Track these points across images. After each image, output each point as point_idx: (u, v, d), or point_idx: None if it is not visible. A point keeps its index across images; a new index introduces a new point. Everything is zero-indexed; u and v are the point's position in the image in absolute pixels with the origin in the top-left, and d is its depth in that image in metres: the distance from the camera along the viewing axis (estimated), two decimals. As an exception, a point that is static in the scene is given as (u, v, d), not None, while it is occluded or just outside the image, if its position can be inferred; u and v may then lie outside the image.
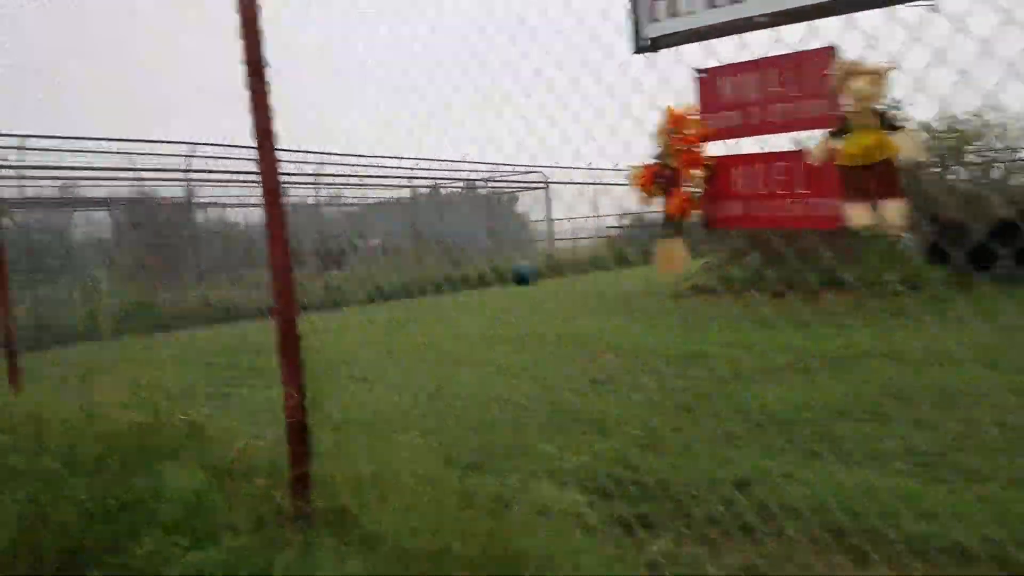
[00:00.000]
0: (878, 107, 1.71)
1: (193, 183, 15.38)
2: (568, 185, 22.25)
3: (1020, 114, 12.11)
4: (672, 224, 2.19)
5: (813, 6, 1.53)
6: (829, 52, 1.72)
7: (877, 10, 1.59)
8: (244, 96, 2.85)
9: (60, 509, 3.42)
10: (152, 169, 14.66)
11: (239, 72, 2.75)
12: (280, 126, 3.01)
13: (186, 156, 14.89)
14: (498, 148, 2.31)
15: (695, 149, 1.94)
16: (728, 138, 1.91)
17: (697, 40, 1.61)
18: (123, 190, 15.45)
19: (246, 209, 18.06)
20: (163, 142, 12.59)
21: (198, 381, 4.20)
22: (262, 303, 4.41)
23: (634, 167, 2.09)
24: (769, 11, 1.47)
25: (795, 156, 1.90)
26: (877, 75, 1.64)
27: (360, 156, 15.36)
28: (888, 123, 1.72)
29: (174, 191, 15.49)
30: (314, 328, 3.05)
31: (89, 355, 6.38)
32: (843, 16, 1.60)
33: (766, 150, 1.88)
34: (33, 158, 13.50)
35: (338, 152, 16.20)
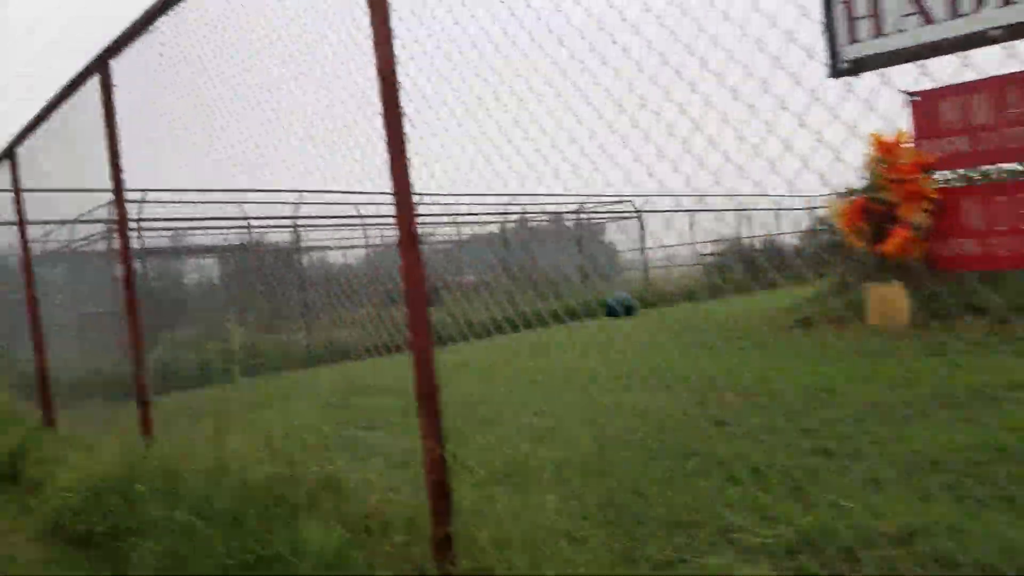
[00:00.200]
0: None
1: (300, 227, 16.00)
2: (659, 213, 21.91)
3: None
4: (888, 266, 1.98)
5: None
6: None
7: None
8: (343, 143, 2.92)
9: (198, 562, 3.44)
10: (261, 217, 15.35)
11: (340, 121, 2.83)
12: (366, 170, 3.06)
13: (295, 204, 15.53)
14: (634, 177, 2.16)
15: (914, 180, 1.73)
16: (955, 167, 1.70)
17: (907, 60, 1.43)
18: (232, 237, 16.23)
19: (345, 251, 18.66)
20: (272, 191, 13.16)
21: (321, 426, 4.20)
22: (365, 342, 4.41)
23: (836, 200, 1.90)
24: (1006, 23, 1.28)
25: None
26: None
27: (455, 195, 15.59)
28: None
29: (281, 236, 16.17)
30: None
31: (209, 399, 6.57)
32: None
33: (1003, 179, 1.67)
34: (148, 210, 14.35)
35: (430, 192, 16.49)
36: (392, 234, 19.20)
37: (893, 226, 1.74)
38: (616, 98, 2.25)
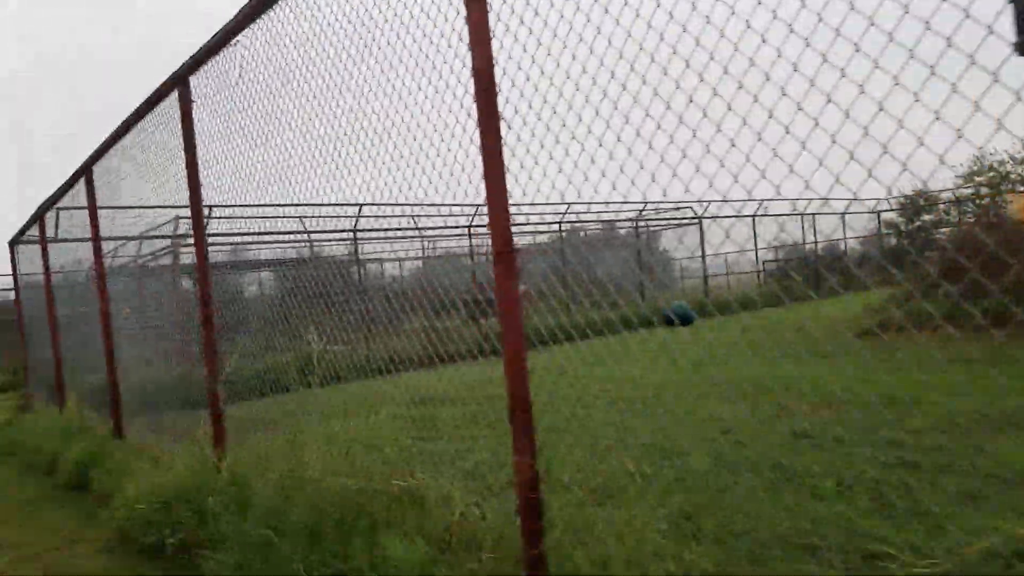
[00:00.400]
0: None
1: (359, 240, 16.17)
2: (722, 219, 21.44)
3: None
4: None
5: None
6: None
7: None
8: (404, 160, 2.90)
9: (272, 576, 3.35)
10: (320, 231, 15.55)
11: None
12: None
13: (355, 217, 15.71)
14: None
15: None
16: None
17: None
18: (291, 251, 16.51)
19: (400, 262, 18.78)
20: (331, 204, 13.32)
21: (393, 437, 4.09)
22: (422, 352, 4.29)
23: (1018, 196, 1.69)
24: None
25: None
26: None
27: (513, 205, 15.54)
28: None
29: (339, 248, 16.37)
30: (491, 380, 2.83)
31: (277, 410, 6.57)
32: None
33: None
34: (212, 225, 14.68)
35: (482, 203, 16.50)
36: (449, 245, 19.28)
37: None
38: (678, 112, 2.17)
